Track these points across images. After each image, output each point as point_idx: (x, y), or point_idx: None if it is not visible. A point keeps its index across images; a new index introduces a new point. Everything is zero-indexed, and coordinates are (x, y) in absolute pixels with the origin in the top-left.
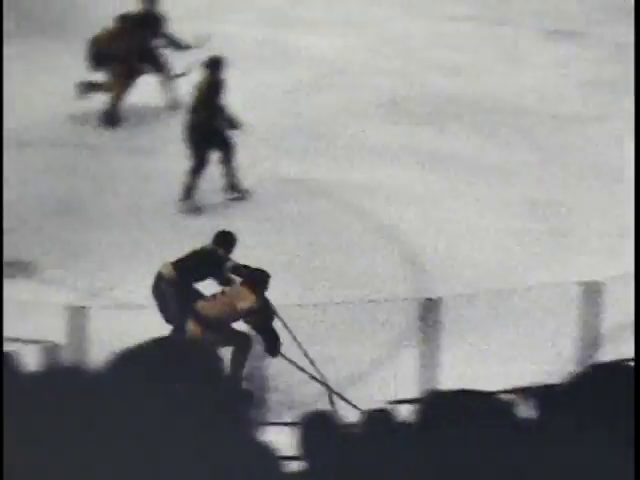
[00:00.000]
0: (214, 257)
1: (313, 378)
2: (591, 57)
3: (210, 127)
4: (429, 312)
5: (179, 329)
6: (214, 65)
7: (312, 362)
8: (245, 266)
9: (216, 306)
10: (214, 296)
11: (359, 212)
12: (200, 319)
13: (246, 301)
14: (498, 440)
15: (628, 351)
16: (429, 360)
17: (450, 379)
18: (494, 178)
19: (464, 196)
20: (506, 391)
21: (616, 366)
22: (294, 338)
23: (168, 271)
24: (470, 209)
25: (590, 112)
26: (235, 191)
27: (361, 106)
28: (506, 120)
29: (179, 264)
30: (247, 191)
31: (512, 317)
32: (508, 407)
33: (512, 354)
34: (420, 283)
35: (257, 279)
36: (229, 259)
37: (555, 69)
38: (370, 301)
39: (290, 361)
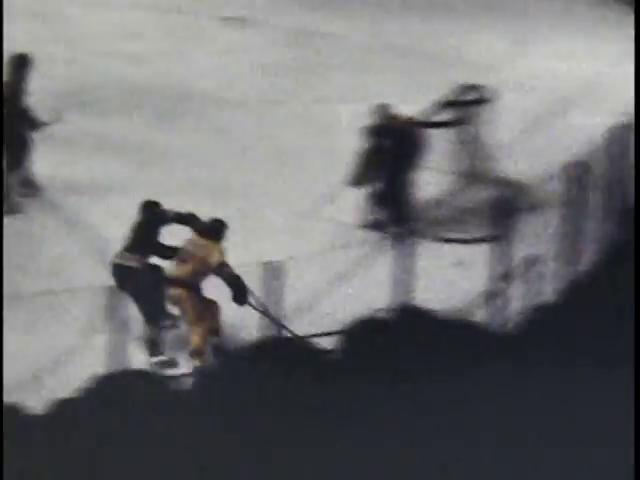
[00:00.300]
0: (153, 219)
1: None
2: (263, 42)
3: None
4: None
5: (160, 311)
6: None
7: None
8: (196, 217)
9: (188, 265)
10: (181, 259)
11: (45, 204)
12: (178, 282)
13: (216, 254)
14: None
15: (309, 329)
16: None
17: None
18: (178, 164)
19: (150, 184)
20: None
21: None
22: None
23: (127, 258)
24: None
25: (266, 96)
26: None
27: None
28: (188, 106)
29: (130, 247)
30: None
31: None
32: None
33: None
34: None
35: (217, 229)
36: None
37: (231, 55)
38: (60, 291)
39: (258, 310)
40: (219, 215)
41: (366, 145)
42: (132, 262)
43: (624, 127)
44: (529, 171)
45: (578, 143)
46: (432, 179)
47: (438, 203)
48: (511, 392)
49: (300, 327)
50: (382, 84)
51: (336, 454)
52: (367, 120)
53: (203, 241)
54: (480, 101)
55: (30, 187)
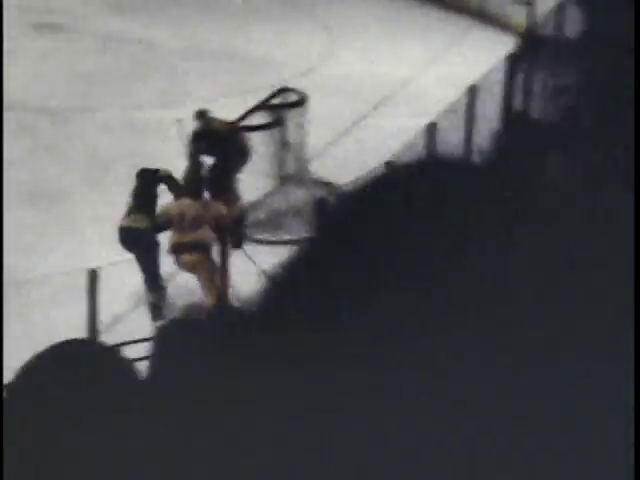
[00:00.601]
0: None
1: None
2: (79, 50)
3: None
4: None
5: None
6: None
7: None
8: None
9: (196, 229)
10: (179, 223)
11: None
12: (195, 247)
13: (212, 208)
14: None
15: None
16: None
17: None
18: None
19: None
20: None
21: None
22: None
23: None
24: None
25: (83, 104)
26: None
27: None
28: (8, 116)
29: (135, 209)
30: None
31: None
32: None
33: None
34: None
35: (196, 187)
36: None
37: (46, 63)
38: None
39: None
40: (37, 220)
41: (188, 151)
42: (138, 223)
43: (436, 128)
44: (343, 173)
45: (391, 145)
46: (251, 182)
47: (255, 206)
48: None
49: (117, 336)
50: (199, 89)
51: None
52: (187, 126)
53: (187, 201)
54: (295, 104)
55: None
